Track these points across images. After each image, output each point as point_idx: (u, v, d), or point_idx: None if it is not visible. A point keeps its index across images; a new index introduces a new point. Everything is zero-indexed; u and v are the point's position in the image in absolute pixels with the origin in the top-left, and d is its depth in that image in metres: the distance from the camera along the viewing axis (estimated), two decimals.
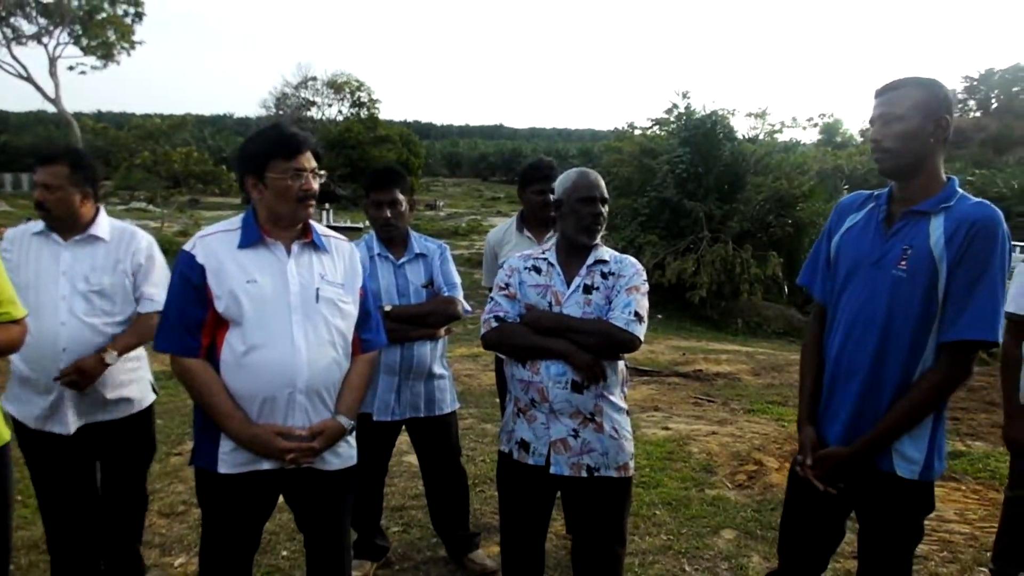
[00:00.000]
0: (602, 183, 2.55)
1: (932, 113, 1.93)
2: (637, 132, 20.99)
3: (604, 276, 2.45)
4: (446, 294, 3.10)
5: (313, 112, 45.70)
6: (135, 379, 2.79)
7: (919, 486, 2.01)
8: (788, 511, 2.31)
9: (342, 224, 29.45)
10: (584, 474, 2.40)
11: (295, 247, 2.17)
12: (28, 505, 3.84)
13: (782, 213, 17.33)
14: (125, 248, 2.72)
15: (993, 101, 60.68)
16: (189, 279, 2.07)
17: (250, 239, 2.12)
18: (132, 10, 29.05)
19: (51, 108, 30.39)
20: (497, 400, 4.44)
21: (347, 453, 2.28)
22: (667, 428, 5.74)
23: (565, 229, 2.51)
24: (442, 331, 3.15)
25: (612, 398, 2.43)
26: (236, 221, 2.19)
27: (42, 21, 27.86)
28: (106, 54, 29.17)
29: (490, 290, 3.50)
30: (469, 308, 3.17)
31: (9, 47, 27.60)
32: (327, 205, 34.23)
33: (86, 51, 28.95)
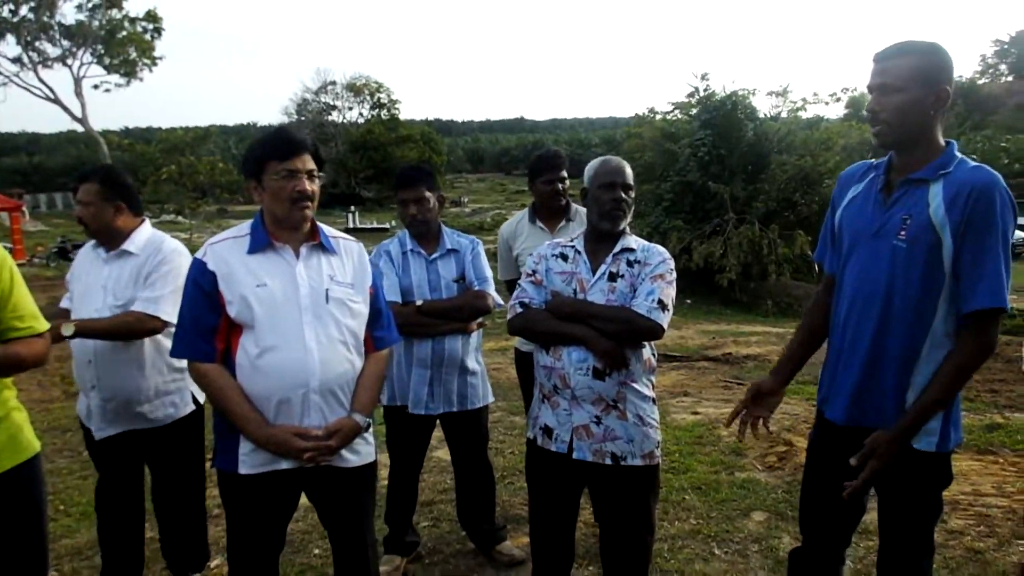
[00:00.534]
0: (627, 169, 2.55)
1: (932, 83, 1.88)
2: (658, 117, 20.81)
3: (630, 264, 2.45)
4: (477, 288, 3.13)
5: (334, 116, 46.08)
6: (171, 390, 2.86)
7: (936, 458, 1.97)
8: (807, 487, 2.29)
9: (368, 225, 29.73)
10: (608, 461, 2.40)
11: (303, 250, 2.20)
12: (71, 514, 3.96)
13: (808, 191, 17.06)
14: (148, 260, 2.80)
15: None
16: (201, 286, 2.11)
17: (259, 244, 2.16)
18: (151, 26, 29.51)
19: (79, 128, 31.04)
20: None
21: (365, 450, 2.30)
22: (696, 413, 5.72)
23: (589, 216, 2.54)
24: (474, 325, 3.17)
25: (636, 385, 2.42)
26: (245, 227, 2.22)
27: (65, 43, 28.46)
28: (129, 71, 29.70)
29: (507, 283, 3.53)
30: (500, 302, 3.19)
31: (36, 70, 28.26)
32: (352, 207, 34.54)
33: (109, 69, 29.50)
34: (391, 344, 2.41)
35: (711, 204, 17.36)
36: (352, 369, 2.22)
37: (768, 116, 19.55)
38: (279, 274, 2.15)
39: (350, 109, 46.43)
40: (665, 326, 2.36)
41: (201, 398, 2.86)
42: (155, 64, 30.45)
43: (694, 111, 19.14)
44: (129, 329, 2.70)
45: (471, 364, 3.17)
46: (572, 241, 2.57)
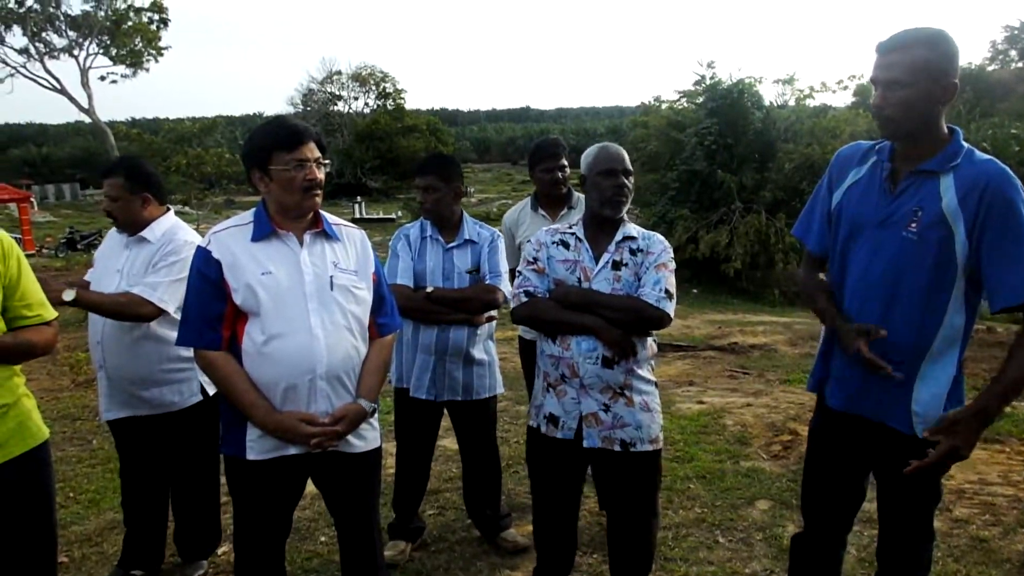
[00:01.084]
0: (625, 155, 2.56)
1: (939, 76, 1.85)
2: (664, 106, 20.74)
3: (633, 253, 2.46)
4: (488, 282, 3.13)
5: (340, 106, 45.99)
6: (178, 379, 2.89)
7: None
8: (808, 472, 2.30)
9: (374, 216, 29.73)
10: (617, 448, 2.42)
11: (307, 237, 2.20)
12: (79, 501, 4.00)
13: (815, 179, 16.86)
14: (161, 249, 2.85)
15: None
16: (206, 275, 2.13)
17: (262, 232, 2.17)
18: (157, 17, 29.49)
19: (86, 119, 31.09)
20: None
21: (371, 436, 2.32)
22: (701, 402, 5.72)
23: (590, 203, 2.54)
24: (483, 318, 3.16)
25: (641, 372, 2.46)
26: (248, 215, 2.23)
27: (71, 34, 28.47)
28: (135, 62, 29.71)
29: (512, 272, 3.53)
30: (511, 297, 3.20)
31: (42, 61, 28.28)
32: (359, 197, 34.54)
33: (115, 60, 29.52)
34: (394, 330, 2.42)
35: (718, 193, 17.32)
36: (357, 355, 2.23)
37: (775, 104, 19.49)
38: (284, 261, 2.16)
39: (356, 99, 46.35)
40: (672, 315, 2.40)
41: (211, 389, 2.88)
42: (161, 55, 30.44)
43: (700, 99, 19.08)
44: (121, 308, 2.71)
45: (478, 354, 3.17)
46: (572, 228, 2.56)
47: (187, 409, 2.92)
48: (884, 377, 1.90)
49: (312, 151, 2.15)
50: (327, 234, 2.25)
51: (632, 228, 2.53)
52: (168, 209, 3.01)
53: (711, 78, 18.69)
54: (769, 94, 20.77)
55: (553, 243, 2.53)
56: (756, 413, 5.29)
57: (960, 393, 1.99)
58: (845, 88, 20.68)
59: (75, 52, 28.97)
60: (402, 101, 45.49)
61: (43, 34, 28.11)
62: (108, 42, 28.96)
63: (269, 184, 2.15)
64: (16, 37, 27.46)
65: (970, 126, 13.13)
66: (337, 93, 45.98)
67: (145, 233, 2.87)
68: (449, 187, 3.13)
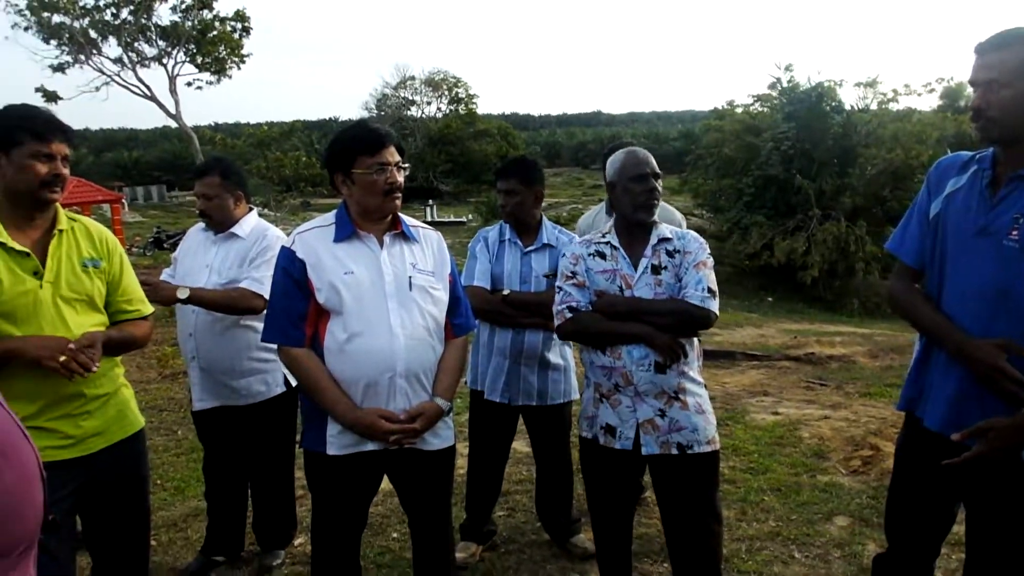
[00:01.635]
0: (652, 159, 2.54)
1: None
2: (739, 110, 20.33)
3: (670, 254, 2.45)
4: None
5: (413, 111, 46.71)
6: (265, 369, 3.02)
7: None
8: (894, 492, 2.20)
9: (446, 219, 30.12)
10: (675, 451, 2.41)
11: (387, 238, 2.26)
12: (166, 488, 4.19)
13: (898, 186, 16.38)
14: (254, 244, 2.98)
15: None
16: (291, 274, 2.20)
17: (344, 233, 2.23)
18: (240, 26, 30.57)
19: (173, 124, 32.45)
20: None
21: (446, 434, 2.36)
22: (777, 413, 5.57)
23: (622, 209, 2.52)
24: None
25: (692, 373, 2.46)
26: (330, 217, 2.30)
27: (161, 43, 29.74)
28: (219, 69, 30.81)
29: None
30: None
31: (135, 70, 29.63)
32: (430, 200, 35.03)
33: (201, 68, 30.69)
34: (469, 331, 2.46)
35: (795, 199, 16.89)
36: (434, 354, 2.27)
37: (856, 108, 18.82)
38: (365, 262, 2.21)
39: (428, 104, 46.96)
40: (717, 312, 2.40)
41: (294, 381, 2.99)
42: (243, 62, 31.51)
43: (776, 103, 18.63)
44: (234, 303, 2.86)
45: (553, 359, 3.17)
46: (605, 236, 2.54)
47: (271, 400, 3.04)
48: (1010, 401, 1.78)
49: (393, 155, 2.21)
50: (406, 236, 2.30)
51: (665, 229, 2.51)
52: (252, 208, 3.13)
53: (788, 81, 18.25)
54: (850, 97, 20.11)
55: (589, 255, 2.51)
56: (834, 426, 5.11)
57: None
58: (932, 91, 19.91)
59: (164, 60, 30.26)
60: (474, 106, 45.91)
61: (135, 44, 29.48)
62: (195, 50, 30.14)
63: (351, 187, 2.21)
64: (111, 47, 28.87)
65: None
66: (410, 98, 46.71)
67: (235, 229, 3.00)
68: (530, 191, 3.15)
